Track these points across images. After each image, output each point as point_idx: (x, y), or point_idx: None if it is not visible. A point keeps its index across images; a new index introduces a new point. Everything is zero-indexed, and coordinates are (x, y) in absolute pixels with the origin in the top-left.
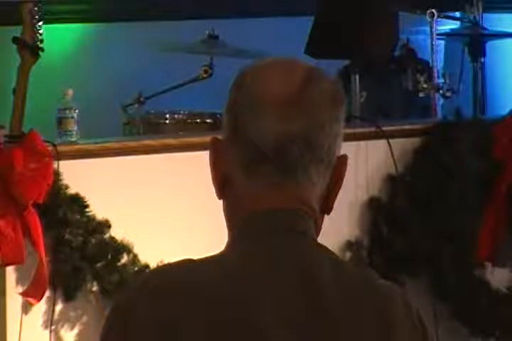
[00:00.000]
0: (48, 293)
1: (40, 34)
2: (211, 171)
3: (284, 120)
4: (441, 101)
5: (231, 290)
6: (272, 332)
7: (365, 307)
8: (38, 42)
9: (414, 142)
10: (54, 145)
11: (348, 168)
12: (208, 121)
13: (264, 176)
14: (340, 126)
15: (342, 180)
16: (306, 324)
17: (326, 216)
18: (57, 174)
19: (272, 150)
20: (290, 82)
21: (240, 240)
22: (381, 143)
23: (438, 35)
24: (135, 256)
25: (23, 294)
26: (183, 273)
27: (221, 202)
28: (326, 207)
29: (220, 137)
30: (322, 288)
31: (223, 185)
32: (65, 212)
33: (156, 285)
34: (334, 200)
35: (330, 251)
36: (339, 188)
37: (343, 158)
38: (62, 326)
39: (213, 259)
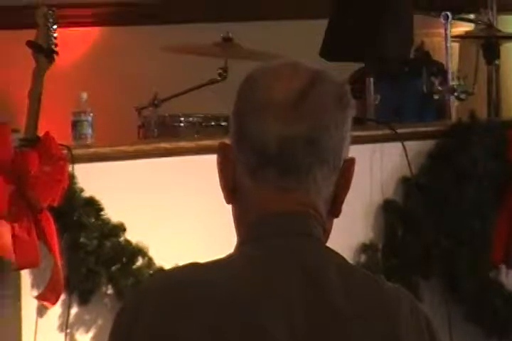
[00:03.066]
0: (63, 297)
1: (55, 38)
2: (219, 176)
3: (288, 123)
4: (456, 103)
5: (236, 293)
6: (277, 335)
7: (371, 310)
8: (53, 46)
9: (428, 144)
10: (69, 149)
11: (363, 170)
12: (223, 124)
13: (269, 180)
14: (347, 128)
15: (350, 182)
16: (312, 326)
17: (340, 218)
18: (72, 177)
19: (274, 153)
20: (294, 85)
21: (246, 243)
22: (396, 146)
23: (452, 37)
24: (150, 259)
25: (39, 297)
26: (188, 277)
27: (231, 206)
28: (334, 210)
29: (228, 142)
30: (328, 291)
31: (231, 190)
32: (80, 215)
33: (160, 289)
34: (342, 203)
35: (337, 254)
36: (347, 191)
37: (351, 161)
38: (78, 329)
39: (219, 262)
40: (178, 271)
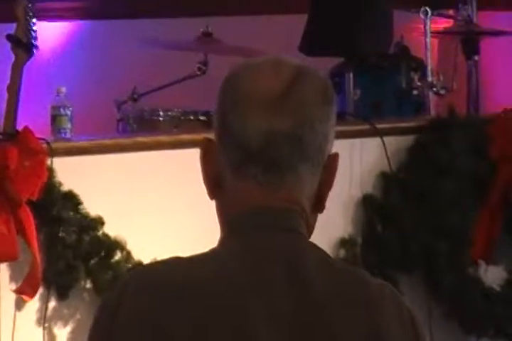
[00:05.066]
0: (41, 291)
1: (34, 31)
2: (202, 171)
3: (271, 118)
4: (435, 99)
5: (218, 288)
6: (260, 331)
7: (354, 304)
8: (32, 40)
9: (407, 140)
10: (48, 143)
11: (342, 165)
12: (202, 118)
13: (252, 175)
14: (331, 124)
15: (333, 178)
16: (295, 320)
17: (319, 214)
18: (50, 171)
19: (258, 149)
20: (278, 80)
21: (230, 238)
22: (375, 141)
23: (432, 32)
24: (128, 253)
25: (17, 291)
26: (170, 271)
27: (214, 201)
28: (319, 206)
29: (211, 137)
30: (311, 285)
31: (215, 186)
32: (59, 209)
33: (140, 283)
34: (326, 199)
35: (320, 249)
36: (331, 186)
37: (334, 156)
38: (56, 323)
39: (202, 257)
40: (160, 265)
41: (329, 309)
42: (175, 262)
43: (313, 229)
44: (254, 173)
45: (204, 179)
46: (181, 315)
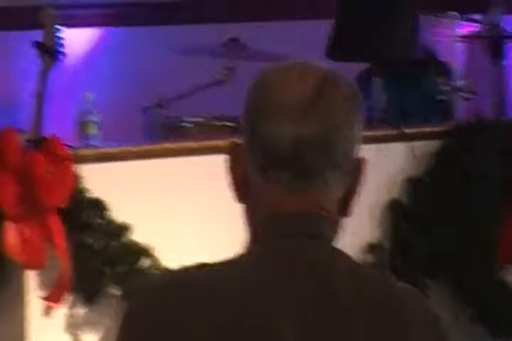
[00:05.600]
0: (69, 297)
1: (61, 38)
2: (229, 175)
3: (300, 124)
4: (462, 103)
5: (244, 293)
6: (286, 337)
7: (381, 310)
8: (58, 47)
9: (435, 144)
10: (74, 149)
11: (369, 170)
12: (229, 124)
13: (280, 180)
14: (358, 129)
15: (360, 183)
16: (321, 327)
17: (346, 219)
18: (78, 178)
19: (287, 154)
20: (306, 86)
21: (256, 243)
22: (402, 146)
23: (459, 37)
24: (156, 259)
25: (45, 298)
26: (196, 275)
27: (241, 205)
28: (345, 211)
29: (238, 141)
30: (336, 291)
31: (242, 190)
32: (87, 215)
33: (166, 287)
34: (353, 204)
35: (346, 254)
36: (358, 191)
37: (362, 161)
38: (83, 330)
39: (228, 262)
40: (186, 270)
41: (354, 315)
42: (201, 267)
43: (340, 234)
44: (282, 178)
45: (231, 183)
46: (207, 318)
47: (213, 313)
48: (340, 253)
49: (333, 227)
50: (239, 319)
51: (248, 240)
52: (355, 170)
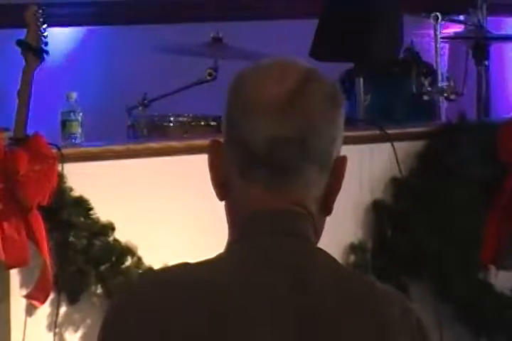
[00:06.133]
0: (52, 296)
1: (45, 37)
2: (210, 173)
3: (278, 122)
4: (445, 104)
5: (223, 291)
6: (262, 335)
7: (361, 311)
8: (42, 45)
9: (418, 145)
10: (58, 148)
11: (352, 170)
12: (212, 123)
13: (258, 178)
14: (338, 128)
15: (341, 181)
16: (299, 330)
17: (329, 218)
18: (61, 176)
19: (265, 154)
20: (285, 84)
21: (236, 242)
22: (385, 146)
23: (442, 38)
24: (139, 258)
25: (27, 296)
26: (179, 274)
27: (223, 203)
28: (326, 209)
29: (220, 140)
30: (315, 291)
31: (222, 187)
32: (69, 214)
33: (150, 285)
34: (333, 202)
35: (327, 253)
36: (338, 190)
37: (342, 159)
38: (66, 329)
39: (209, 262)
40: (168, 270)
41: (334, 316)
42: (184, 266)
43: (321, 232)
44: (261, 177)
45: (212, 180)
46: (189, 316)
47: (192, 313)
48: (321, 252)
49: (312, 225)
50: (216, 318)
51: (229, 238)
52: (336, 168)
